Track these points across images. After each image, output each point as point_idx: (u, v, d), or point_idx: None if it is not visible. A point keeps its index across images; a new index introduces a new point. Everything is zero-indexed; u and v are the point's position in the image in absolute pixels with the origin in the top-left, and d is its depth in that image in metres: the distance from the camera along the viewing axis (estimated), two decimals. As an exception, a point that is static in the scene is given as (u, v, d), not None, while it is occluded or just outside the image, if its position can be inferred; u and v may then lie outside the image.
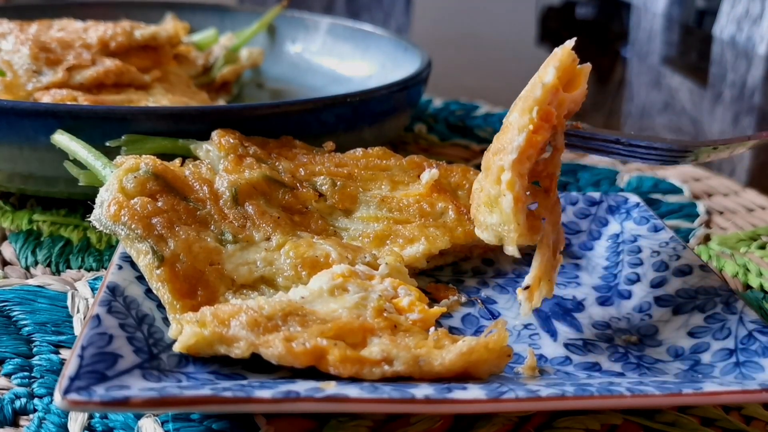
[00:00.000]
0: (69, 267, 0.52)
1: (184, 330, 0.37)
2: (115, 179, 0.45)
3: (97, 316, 0.38)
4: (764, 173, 0.78)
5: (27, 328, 0.44)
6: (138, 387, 0.34)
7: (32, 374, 0.41)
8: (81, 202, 0.57)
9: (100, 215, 0.44)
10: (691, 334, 0.43)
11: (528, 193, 0.40)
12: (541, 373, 0.40)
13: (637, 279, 0.48)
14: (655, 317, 0.45)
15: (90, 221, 0.44)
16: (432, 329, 0.39)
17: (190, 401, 0.33)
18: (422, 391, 0.34)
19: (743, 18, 1.29)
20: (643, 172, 0.72)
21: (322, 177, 0.50)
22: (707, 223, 0.63)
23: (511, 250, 0.40)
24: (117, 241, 0.54)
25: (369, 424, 0.37)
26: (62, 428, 0.37)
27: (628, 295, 0.47)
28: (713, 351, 0.41)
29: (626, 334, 0.44)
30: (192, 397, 0.33)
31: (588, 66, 0.42)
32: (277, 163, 0.51)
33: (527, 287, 0.42)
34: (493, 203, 0.40)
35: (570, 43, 0.40)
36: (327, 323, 0.38)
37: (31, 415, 0.38)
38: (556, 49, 0.41)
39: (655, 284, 0.47)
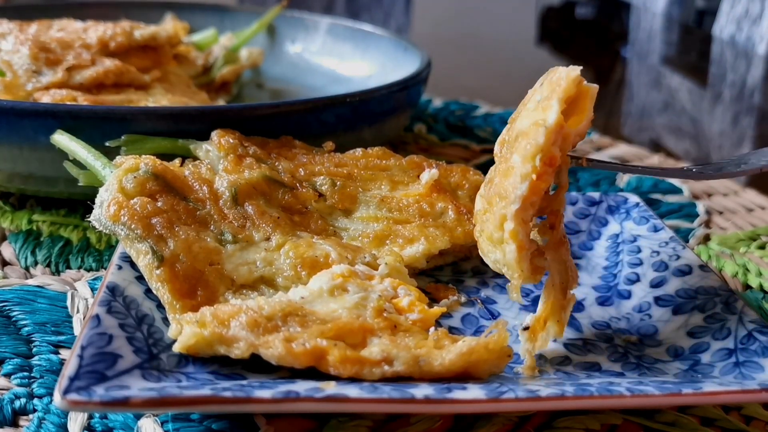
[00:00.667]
0: (69, 267, 0.52)
1: (184, 330, 0.37)
2: (115, 179, 0.45)
3: (97, 316, 0.38)
4: (764, 173, 0.78)
5: (27, 328, 0.44)
6: (138, 387, 0.34)
7: (32, 374, 0.41)
8: (81, 202, 0.57)
9: (100, 215, 0.44)
10: (691, 334, 0.43)
11: (534, 230, 0.39)
12: (541, 373, 0.40)
13: (637, 279, 0.48)
14: (655, 317, 0.45)
15: (90, 221, 0.44)
16: (432, 329, 0.39)
17: (190, 401, 0.33)
18: (422, 391, 0.34)
19: (743, 18, 1.29)
20: (643, 172, 0.72)
21: (321, 177, 0.50)
22: (707, 223, 0.63)
23: (515, 296, 0.39)
24: (117, 241, 0.54)
25: (369, 424, 0.37)
26: (62, 428, 0.37)
27: (628, 295, 0.47)
28: (713, 351, 0.41)
29: (626, 334, 0.44)
30: (192, 397, 0.33)
31: (595, 88, 0.39)
32: (276, 163, 0.50)
33: (527, 328, 0.40)
34: (496, 243, 0.39)
35: (575, 70, 0.38)
36: (327, 323, 0.38)
37: (30, 415, 0.38)
38: (559, 72, 0.39)
39: (655, 284, 0.47)
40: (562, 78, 0.38)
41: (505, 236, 0.38)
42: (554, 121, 0.37)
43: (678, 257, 0.48)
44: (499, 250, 0.39)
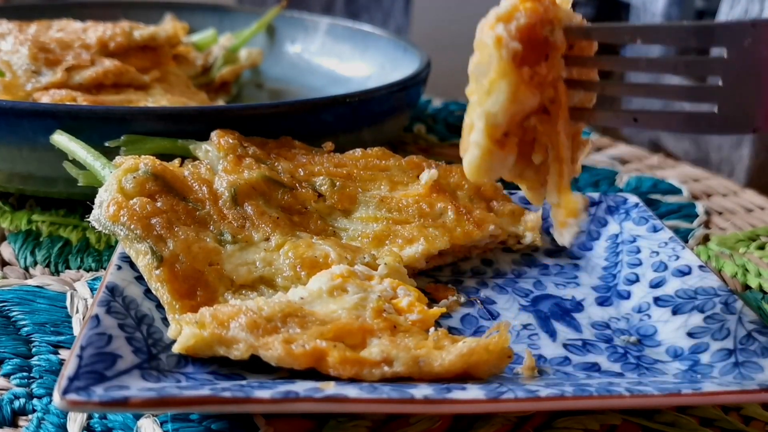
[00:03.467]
0: (68, 267, 0.52)
1: (184, 331, 0.37)
2: (114, 179, 0.45)
3: (96, 317, 0.38)
4: (763, 173, 0.78)
5: (26, 329, 0.44)
6: (137, 387, 0.34)
7: (31, 374, 0.41)
8: (80, 202, 0.57)
9: (99, 215, 0.44)
10: (690, 334, 0.43)
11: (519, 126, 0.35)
12: (541, 374, 0.40)
13: (636, 279, 0.48)
14: (654, 317, 0.45)
15: (89, 221, 0.44)
16: (431, 329, 0.39)
17: (189, 401, 0.33)
18: (421, 391, 0.34)
19: (742, 18, 1.29)
20: (642, 173, 0.72)
21: (321, 177, 0.50)
22: (706, 224, 0.63)
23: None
24: (116, 242, 0.54)
25: (368, 424, 0.37)
26: (61, 428, 0.37)
27: (627, 296, 0.47)
28: (712, 351, 0.41)
29: (625, 334, 0.44)
30: (191, 397, 0.33)
31: None
32: (276, 164, 0.50)
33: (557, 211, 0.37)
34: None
35: None
36: (326, 324, 0.38)
37: (30, 416, 0.38)
38: None
39: (654, 284, 0.47)
40: None
41: (473, 140, 0.36)
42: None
43: (677, 258, 0.48)
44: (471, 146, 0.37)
